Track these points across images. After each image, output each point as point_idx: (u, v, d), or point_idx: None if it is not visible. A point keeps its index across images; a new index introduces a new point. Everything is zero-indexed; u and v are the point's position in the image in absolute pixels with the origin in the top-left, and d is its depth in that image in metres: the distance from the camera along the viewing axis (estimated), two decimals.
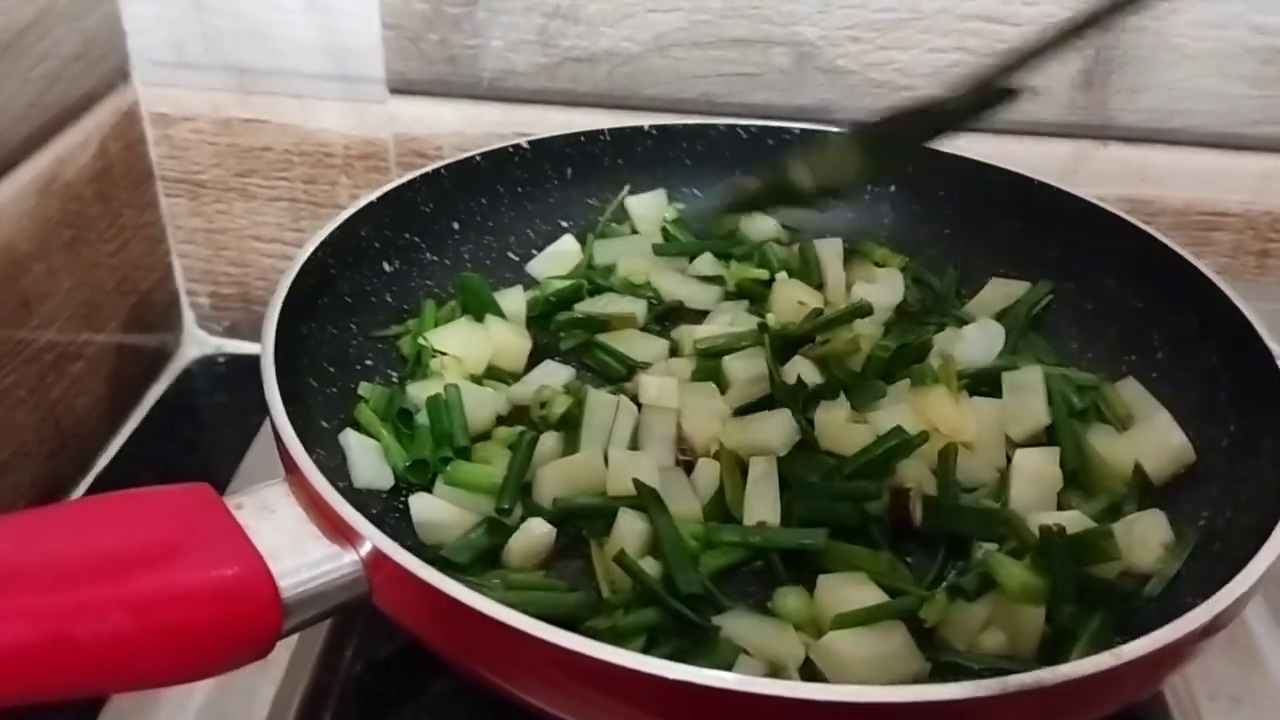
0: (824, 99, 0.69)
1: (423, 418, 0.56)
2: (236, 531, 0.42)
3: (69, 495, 0.69)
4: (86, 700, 0.52)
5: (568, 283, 0.66)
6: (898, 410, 0.56)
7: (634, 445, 0.56)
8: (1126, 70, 0.67)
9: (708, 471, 0.54)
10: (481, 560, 0.51)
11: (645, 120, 0.69)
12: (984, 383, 0.59)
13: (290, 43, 0.71)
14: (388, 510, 0.53)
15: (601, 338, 0.62)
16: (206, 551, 0.41)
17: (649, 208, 0.71)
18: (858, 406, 0.57)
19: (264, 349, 0.50)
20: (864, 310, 0.62)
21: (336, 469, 0.53)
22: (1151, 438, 0.55)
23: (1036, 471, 0.54)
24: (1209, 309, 0.56)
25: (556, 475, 0.53)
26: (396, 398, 0.57)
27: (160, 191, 0.77)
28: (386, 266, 0.63)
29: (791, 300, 0.64)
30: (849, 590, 0.48)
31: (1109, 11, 0.46)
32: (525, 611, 0.39)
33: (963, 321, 0.63)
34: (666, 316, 0.66)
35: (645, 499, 0.51)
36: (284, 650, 0.54)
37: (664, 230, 0.71)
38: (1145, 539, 0.50)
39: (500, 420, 0.59)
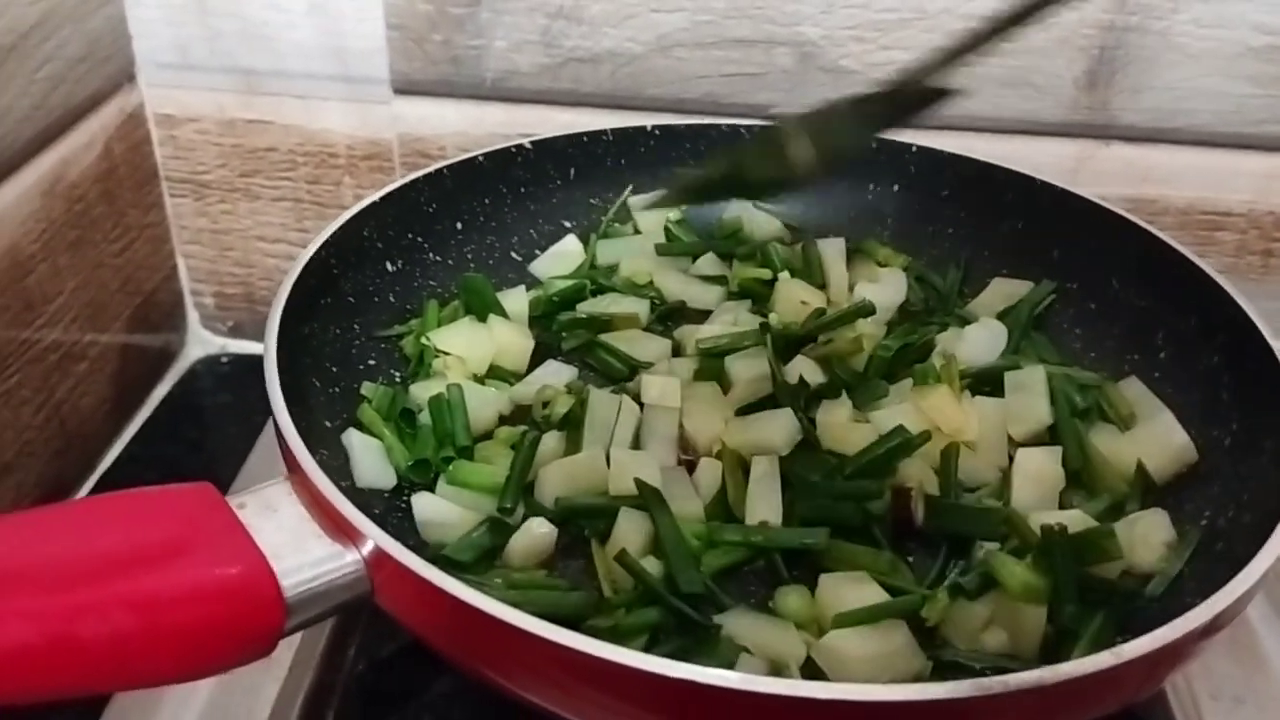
0: (827, 99, 0.69)
1: (425, 417, 0.57)
2: (239, 531, 0.42)
3: (73, 495, 0.69)
4: (90, 699, 0.52)
5: (570, 283, 0.66)
6: (900, 410, 0.56)
7: (636, 445, 0.56)
8: (1129, 70, 0.67)
9: (710, 471, 0.54)
10: (484, 560, 0.51)
11: (648, 120, 0.69)
12: (986, 382, 0.59)
13: (294, 44, 0.71)
14: (390, 510, 0.53)
15: (604, 337, 0.62)
16: (209, 551, 0.41)
17: None
18: (860, 406, 0.57)
19: (267, 349, 0.51)
20: (866, 310, 0.62)
21: (339, 468, 0.53)
22: (1154, 437, 0.55)
23: (1038, 471, 0.54)
24: (1211, 309, 0.56)
25: (558, 475, 0.53)
26: (399, 397, 0.58)
27: (165, 192, 0.78)
28: (389, 266, 0.63)
29: (794, 300, 0.64)
30: (850, 589, 0.48)
31: (1040, 5, 0.46)
32: (527, 610, 0.39)
33: (965, 321, 0.63)
34: (669, 316, 0.66)
35: (647, 498, 0.51)
36: (287, 649, 0.54)
37: (667, 230, 0.71)
38: (1147, 538, 0.50)
39: (503, 420, 0.59)
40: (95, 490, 0.69)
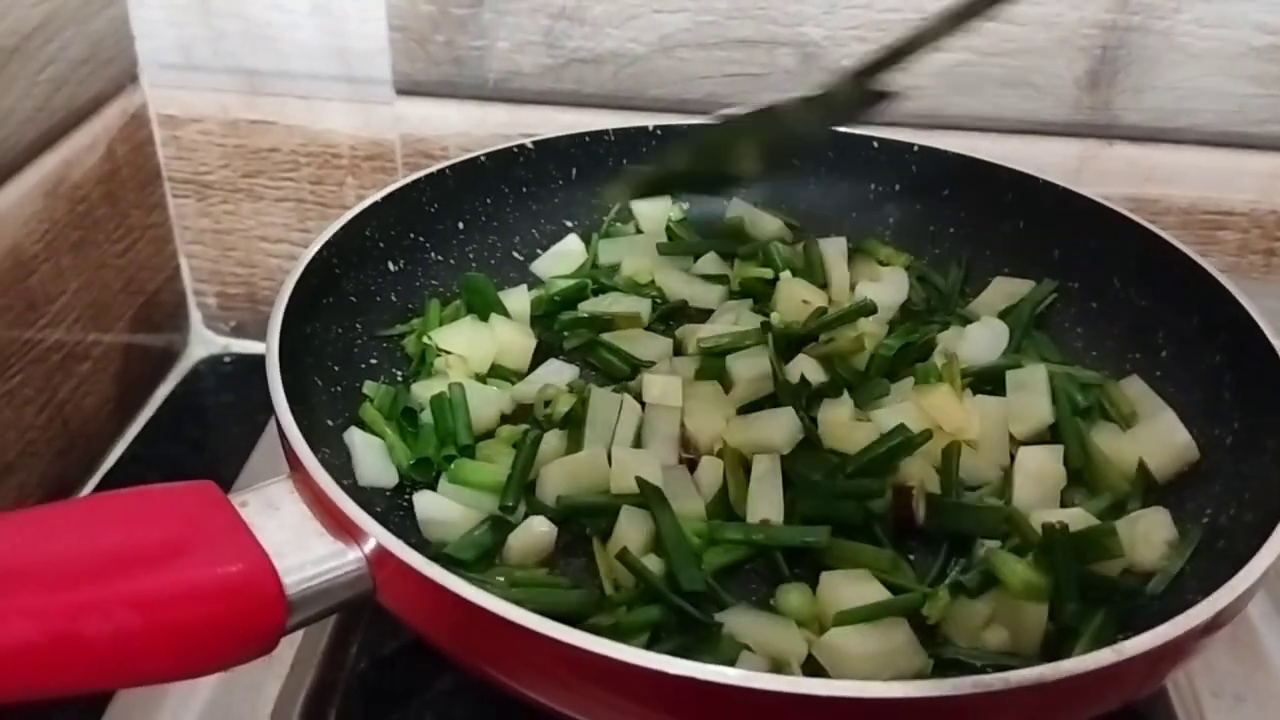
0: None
1: (427, 416, 0.57)
2: (241, 529, 0.42)
3: (76, 494, 0.69)
4: (93, 696, 0.52)
5: (572, 282, 0.66)
6: (901, 408, 0.56)
7: (638, 444, 0.56)
8: (1131, 70, 0.67)
9: (711, 469, 0.54)
10: (485, 558, 0.51)
11: (650, 121, 0.69)
12: (988, 381, 0.59)
13: (297, 45, 0.71)
14: (392, 508, 0.53)
15: (606, 337, 0.63)
16: (212, 549, 0.41)
17: (653, 207, 0.71)
18: (861, 405, 0.57)
19: (269, 347, 0.51)
20: (868, 309, 0.62)
21: (341, 467, 0.53)
22: (1155, 436, 0.55)
23: (1040, 469, 0.54)
24: (1213, 308, 0.56)
25: (560, 473, 0.53)
26: (401, 396, 0.58)
27: (168, 192, 0.78)
28: (391, 266, 0.63)
29: (795, 299, 0.64)
30: (851, 587, 0.48)
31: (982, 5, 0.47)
32: (528, 608, 0.39)
33: (967, 320, 0.63)
34: (671, 315, 0.66)
35: (649, 497, 0.51)
36: (289, 646, 0.54)
37: (668, 230, 0.71)
38: (1148, 536, 0.50)
39: (504, 419, 0.59)
40: (97, 490, 0.69)
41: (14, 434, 0.63)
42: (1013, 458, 0.55)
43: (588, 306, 0.65)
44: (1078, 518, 0.50)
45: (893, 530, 0.51)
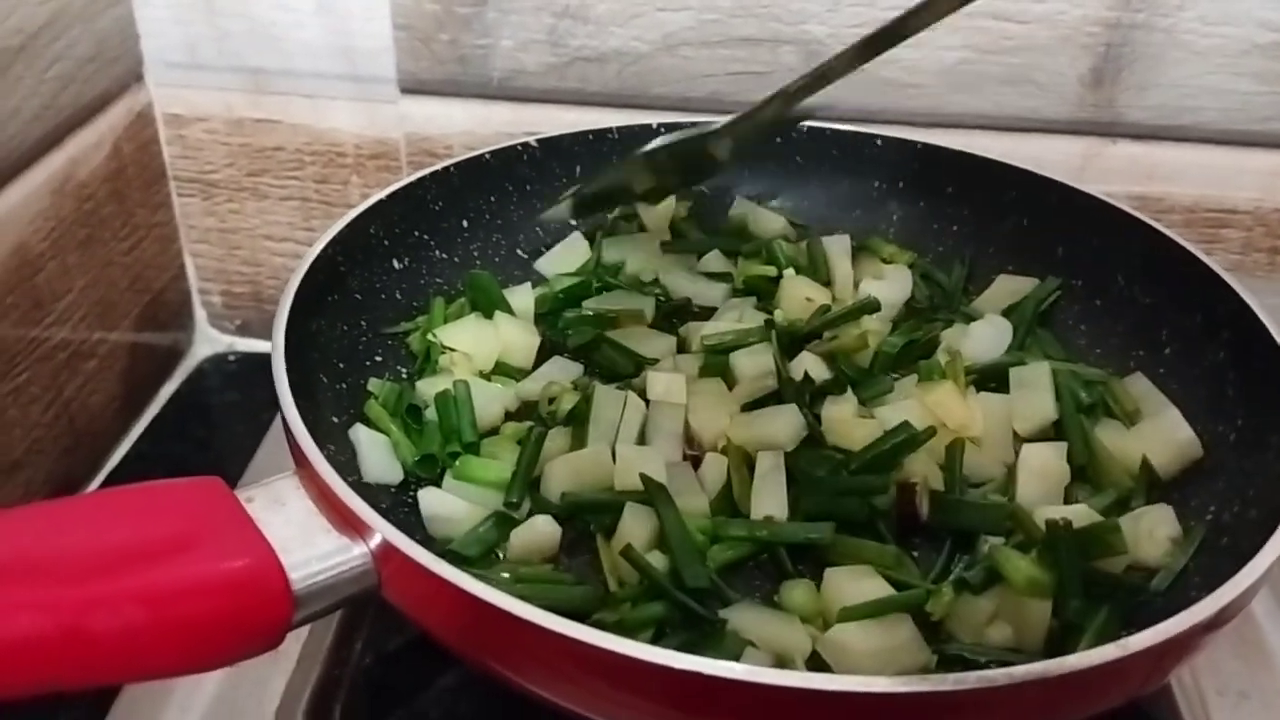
0: (832, 97, 0.69)
1: (432, 413, 0.57)
2: (247, 524, 0.42)
3: (82, 492, 0.70)
4: (100, 689, 0.52)
5: (576, 280, 0.66)
6: (905, 406, 0.56)
7: (641, 441, 0.56)
8: (1135, 67, 0.67)
9: (715, 466, 0.54)
10: (490, 554, 0.51)
11: (654, 119, 0.69)
12: (991, 378, 0.59)
13: (302, 44, 0.71)
14: (396, 505, 0.54)
15: (610, 334, 0.63)
16: (218, 544, 0.42)
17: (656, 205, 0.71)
18: (865, 402, 0.57)
19: (275, 344, 0.51)
20: (871, 306, 0.62)
21: (346, 464, 0.53)
22: (1159, 433, 0.55)
23: (1043, 466, 0.54)
24: (1217, 305, 0.56)
25: (564, 470, 0.54)
26: (406, 394, 0.58)
27: (173, 191, 0.78)
28: (396, 264, 0.63)
29: (799, 297, 0.64)
30: (855, 583, 0.48)
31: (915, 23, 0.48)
32: (533, 604, 0.39)
33: (970, 318, 0.63)
34: (674, 313, 0.66)
35: (652, 494, 0.51)
36: (295, 642, 0.54)
37: (672, 228, 0.71)
38: (1152, 533, 0.50)
39: (508, 416, 0.59)
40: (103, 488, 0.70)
41: (20, 432, 0.64)
42: (1016, 455, 0.55)
43: (592, 304, 0.65)
44: (1081, 514, 0.50)
45: (896, 527, 0.51)
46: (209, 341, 0.83)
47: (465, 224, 0.67)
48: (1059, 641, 0.47)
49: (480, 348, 0.61)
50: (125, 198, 0.72)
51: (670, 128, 0.69)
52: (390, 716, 0.53)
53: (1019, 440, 0.56)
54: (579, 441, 0.55)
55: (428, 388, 0.58)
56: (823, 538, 0.50)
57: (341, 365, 0.58)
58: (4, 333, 0.62)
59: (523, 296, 0.65)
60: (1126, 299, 0.62)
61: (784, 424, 0.55)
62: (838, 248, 0.68)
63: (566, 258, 0.68)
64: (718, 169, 0.66)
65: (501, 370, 0.61)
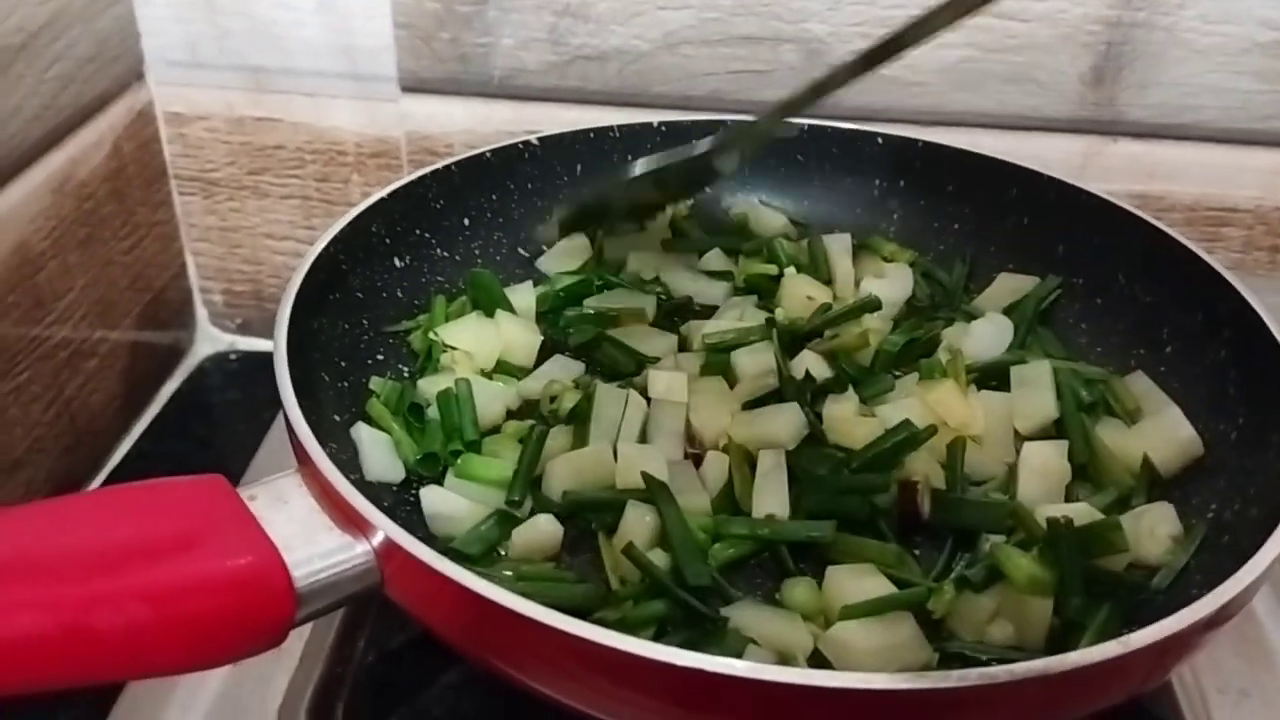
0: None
1: (433, 412, 0.57)
2: (250, 522, 0.43)
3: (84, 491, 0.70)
4: (103, 687, 0.52)
5: (577, 278, 0.66)
6: (906, 404, 0.56)
7: (643, 439, 0.56)
8: (1136, 66, 0.67)
9: (716, 465, 0.54)
10: (492, 553, 0.51)
11: (654, 117, 0.70)
12: (992, 377, 0.59)
13: (303, 42, 0.71)
14: (398, 503, 0.54)
15: (611, 333, 0.63)
16: (221, 542, 0.42)
17: None
18: (866, 400, 0.57)
19: (276, 343, 0.51)
20: (872, 305, 0.63)
21: (348, 462, 0.53)
22: (1160, 431, 0.55)
23: (1044, 464, 0.54)
24: (1218, 304, 0.56)
25: (566, 469, 0.54)
26: (407, 392, 0.58)
27: (174, 190, 0.78)
28: (397, 262, 0.63)
29: (800, 295, 0.64)
30: (857, 581, 0.48)
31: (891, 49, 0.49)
32: (535, 602, 0.39)
33: (971, 316, 0.64)
34: (675, 312, 0.66)
35: (654, 492, 0.51)
36: (297, 640, 0.54)
37: (673, 226, 0.71)
38: (1153, 531, 0.50)
39: (510, 414, 0.59)
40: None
41: (21, 430, 0.64)
42: (1017, 453, 0.55)
43: (593, 303, 0.65)
44: (1082, 512, 0.50)
45: (898, 525, 0.52)
46: (210, 340, 0.83)
47: (466, 222, 0.67)
48: (1060, 639, 0.47)
49: (482, 346, 0.61)
50: (126, 196, 0.72)
51: (671, 126, 0.70)
52: (393, 714, 0.53)
53: (1020, 439, 0.56)
54: (580, 440, 0.55)
55: (429, 386, 0.58)
56: (824, 536, 0.50)
57: (343, 364, 0.58)
58: (5, 332, 0.62)
59: (524, 295, 0.65)
60: (1127, 297, 0.62)
61: (785, 422, 0.55)
62: (839, 246, 0.68)
63: (568, 256, 0.68)
64: (712, 180, 0.66)
65: (503, 368, 0.61)
